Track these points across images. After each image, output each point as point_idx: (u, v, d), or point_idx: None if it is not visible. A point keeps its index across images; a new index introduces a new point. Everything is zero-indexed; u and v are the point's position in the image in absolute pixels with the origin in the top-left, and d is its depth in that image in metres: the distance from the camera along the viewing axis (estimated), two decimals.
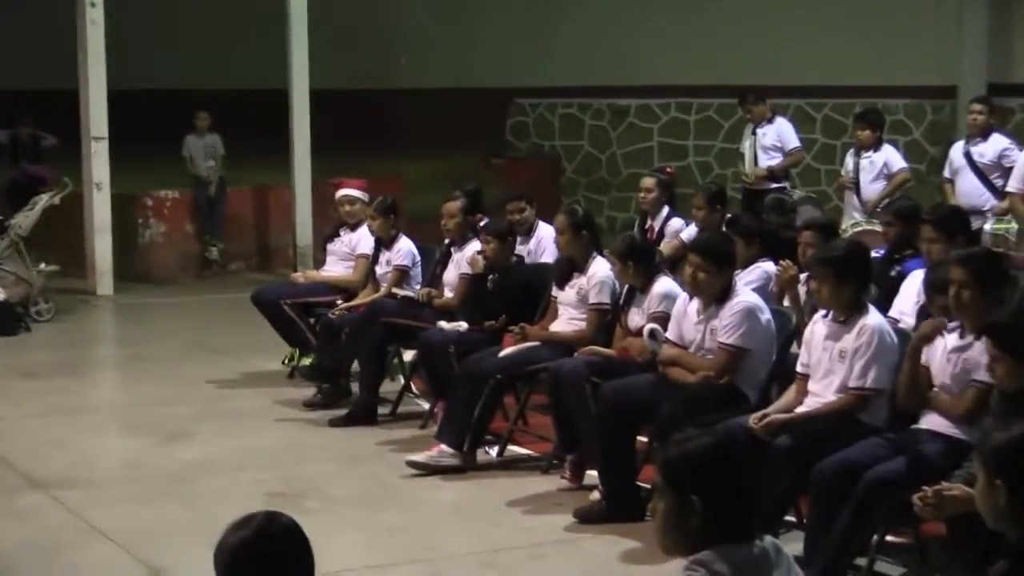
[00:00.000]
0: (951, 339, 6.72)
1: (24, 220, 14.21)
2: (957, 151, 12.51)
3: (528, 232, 11.19)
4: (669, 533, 3.99)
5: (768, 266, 9.18)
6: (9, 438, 9.99)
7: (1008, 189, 10.83)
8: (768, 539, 4.06)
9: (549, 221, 10.42)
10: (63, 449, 9.87)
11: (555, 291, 9.49)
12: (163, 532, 7.66)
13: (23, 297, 13.85)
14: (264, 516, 3.73)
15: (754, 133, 14.22)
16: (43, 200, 14.52)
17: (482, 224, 10.59)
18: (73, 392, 11.91)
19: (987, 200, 11.64)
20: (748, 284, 8.66)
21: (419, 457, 8.97)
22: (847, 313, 7.15)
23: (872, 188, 12.81)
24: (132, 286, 15.96)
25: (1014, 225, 10.73)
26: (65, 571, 7.45)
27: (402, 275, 10.87)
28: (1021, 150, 11.35)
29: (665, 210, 11.51)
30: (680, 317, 8.19)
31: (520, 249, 10.79)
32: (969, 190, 11.97)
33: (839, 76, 17.62)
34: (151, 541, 7.46)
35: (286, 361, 11.52)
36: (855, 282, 7.22)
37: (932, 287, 7.22)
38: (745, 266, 9.22)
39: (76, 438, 10.32)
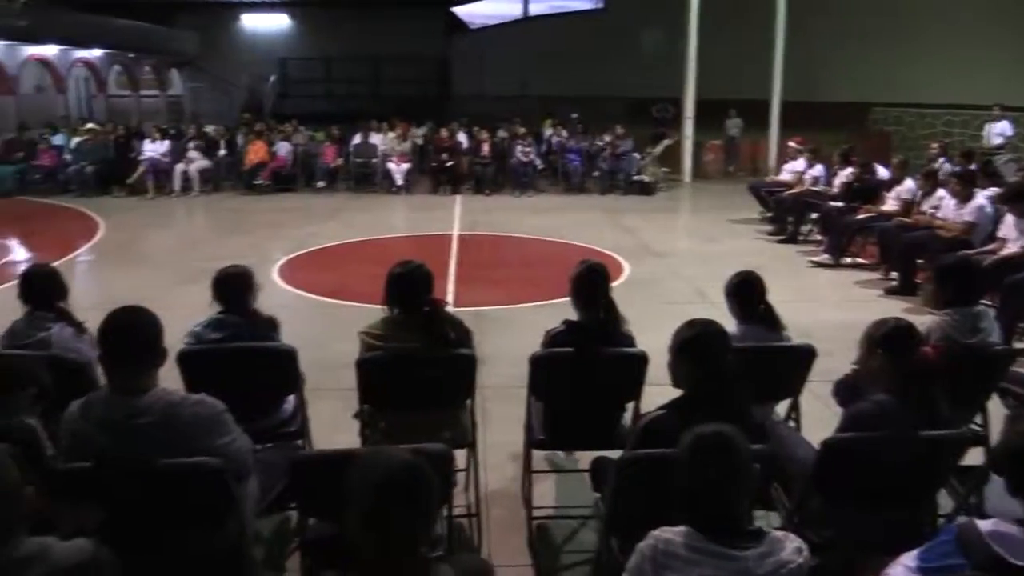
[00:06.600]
0: None
1: (656, 149, 14.48)
2: None
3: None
4: (929, 300, 3.62)
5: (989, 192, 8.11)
6: (590, 237, 9.72)
7: None
8: None
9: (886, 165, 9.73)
10: (633, 240, 9.65)
11: (886, 193, 8.89)
12: (706, 277, 7.47)
13: (655, 181, 14.01)
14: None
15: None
16: (665, 142, 14.79)
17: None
18: (657, 218, 11.55)
19: None
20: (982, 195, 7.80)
21: (816, 258, 8.92)
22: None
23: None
24: (700, 181, 15.27)
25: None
26: (662, 292, 7.26)
27: (815, 180, 10.43)
28: None
29: (941, 159, 10.33)
30: (947, 207, 7.72)
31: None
32: None
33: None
34: (704, 280, 7.46)
35: (759, 215, 11.06)
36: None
37: None
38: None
39: (645, 236, 9.98)
